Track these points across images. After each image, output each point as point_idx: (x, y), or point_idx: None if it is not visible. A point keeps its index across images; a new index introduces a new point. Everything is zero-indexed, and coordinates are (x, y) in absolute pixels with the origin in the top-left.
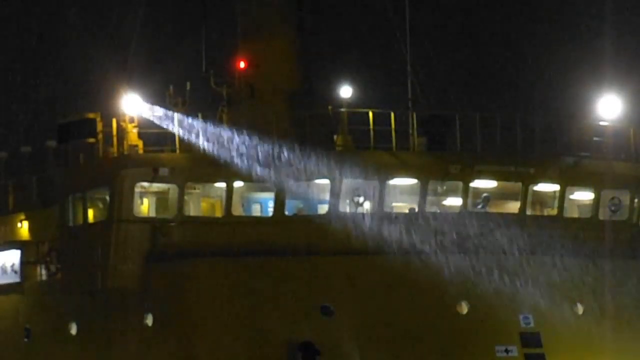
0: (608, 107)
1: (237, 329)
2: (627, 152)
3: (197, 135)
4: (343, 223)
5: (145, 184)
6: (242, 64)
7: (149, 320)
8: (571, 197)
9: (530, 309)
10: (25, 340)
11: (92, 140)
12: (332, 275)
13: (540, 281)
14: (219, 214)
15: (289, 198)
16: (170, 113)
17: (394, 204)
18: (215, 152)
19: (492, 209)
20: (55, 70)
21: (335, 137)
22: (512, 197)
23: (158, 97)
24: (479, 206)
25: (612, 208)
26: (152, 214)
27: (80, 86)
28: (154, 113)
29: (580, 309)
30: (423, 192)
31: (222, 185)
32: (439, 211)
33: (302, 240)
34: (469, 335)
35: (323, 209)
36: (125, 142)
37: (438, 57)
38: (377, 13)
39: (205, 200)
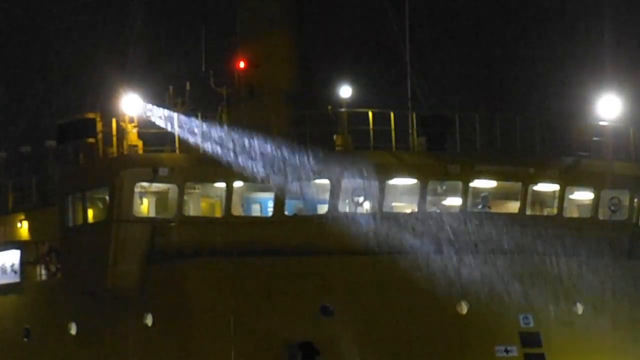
0: (608, 107)
1: (237, 329)
2: (627, 152)
3: (197, 135)
4: (343, 223)
5: (145, 184)
6: (242, 64)
7: (149, 320)
8: (571, 197)
9: (530, 309)
10: (25, 340)
11: (91, 140)
12: (332, 275)
13: (540, 281)
14: (218, 214)
15: (289, 198)
16: (170, 113)
17: (393, 204)
18: (215, 152)
19: (492, 209)
20: (54, 70)
21: (335, 137)
22: (512, 197)
23: (158, 97)
24: (479, 206)
25: (612, 208)
26: (152, 214)
27: (80, 86)
28: (153, 113)
29: (580, 309)
30: (423, 192)
31: (221, 185)
32: (438, 211)
33: (302, 240)
34: (469, 336)
35: (323, 209)
36: (125, 142)
37: (438, 57)
38: (377, 13)
39: (205, 200)
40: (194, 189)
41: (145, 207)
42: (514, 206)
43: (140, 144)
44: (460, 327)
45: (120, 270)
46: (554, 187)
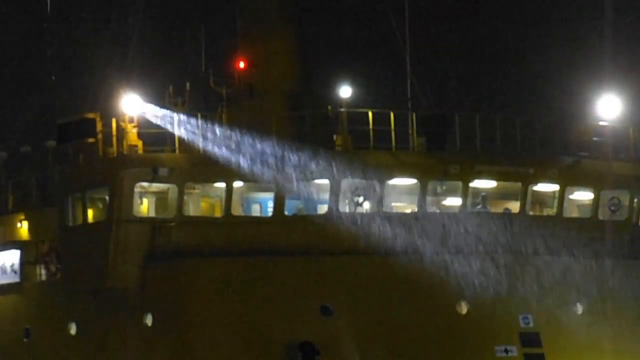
0: (608, 107)
1: (237, 329)
2: (627, 152)
3: (197, 135)
4: (343, 223)
5: (144, 184)
6: (241, 64)
7: (149, 320)
8: (571, 197)
9: (530, 309)
10: (25, 340)
11: (91, 140)
12: (332, 275)
13: (540, 281)
14: (218, 214)
15: (289, 198)
16: (170, 113)
17: (393, 204)
18: (215, 152)
19: (491, 209)
20: (55, 70)
21: (335, 137)
22: (511, 197)
23: (158, 97)
24: (479, 206)
25: (612, 208)
26: (152, 214)
27: (80, 86)
28: (153, 113)
29: (580, 309)
30: (423, 192)
31: (221, 185)
32: (438, 211)
33: (302, 240)
34: (469, 336)
35: (323, 209)
36: (125, 142)
37: (438, 57)
38: (377, 13)
39: (204, 200)
40: (194, 189)
41: (145, 207)
42: (514, 206)
43: (140, 144)
44: (460, 327)
45: (120, 270)
46: (554, 187)
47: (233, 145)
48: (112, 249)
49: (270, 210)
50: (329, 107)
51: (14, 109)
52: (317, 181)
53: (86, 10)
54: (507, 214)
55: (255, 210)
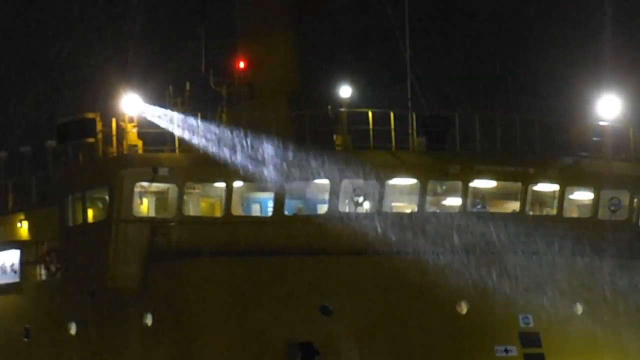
0: (608, 107)
1: (237, 329)
2: (627, 152)
3: (197, 135)
4: (343, 223)
5: (144, 183)
6: (242, 64)
7: (149, 320)
8: (571, 197)
9: (530, 309)
10: (25, 340)
11: (91, 140)
12: (332, 275)
13: (540, 281)
14: (218, 213)
15: (289, 198)
16: (170, 113)
17: (393, 204)
18: (215, 152)
19: (491, 209)
20: (55, 70)
21: (335, 137)
22: (511, 197)
23: (158, 97)
24: (479, 206)
25: (612, 208)
26: (152, 214)
27: (80, 86)
28: (153, 113)
29: (579, 309)
30: (422, 192)
31: (221, 185)
32: (438, 211)
33: (301, 240)
34: (469, 335)
35: (323, 209)
36: (124, 142)
37: (438, 57)
38: (377, 12)
39: (204, 200)
40: (194, 189)
41: (145, 207)
42: (513, 206)
43: (140, 144)
44: (460, 327)
45: (120, 270)
46: (554, 187)
47: (233, 145)
48: (112, 249)
49: (270, 210)
50: (329, 107)
51: (14, 109)
52: (317, 181)
53: (86, 10)
54: (505, 213)
55: (255, 210)
